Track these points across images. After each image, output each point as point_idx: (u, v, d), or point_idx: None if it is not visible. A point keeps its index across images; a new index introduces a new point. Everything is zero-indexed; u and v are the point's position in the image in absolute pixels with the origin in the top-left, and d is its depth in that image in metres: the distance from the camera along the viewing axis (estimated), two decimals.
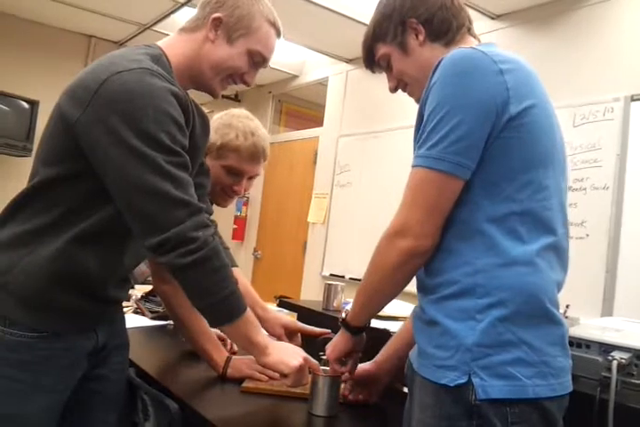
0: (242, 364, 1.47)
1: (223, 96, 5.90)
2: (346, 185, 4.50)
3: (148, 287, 2.37)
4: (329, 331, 1.56)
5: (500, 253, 0.95)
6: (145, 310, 2.24)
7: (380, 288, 1.08)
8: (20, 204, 1.12)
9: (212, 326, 1.20)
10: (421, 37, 1.14)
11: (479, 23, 3.32)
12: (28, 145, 4.41)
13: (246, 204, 5.61)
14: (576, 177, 2.92)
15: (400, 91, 1.25)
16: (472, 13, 1.22)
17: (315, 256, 4.72)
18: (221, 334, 1.60)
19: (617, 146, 2.80)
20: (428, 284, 1.03)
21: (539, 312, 0.96)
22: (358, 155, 4.43)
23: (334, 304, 2.03)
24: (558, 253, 1.02)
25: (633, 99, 2.80)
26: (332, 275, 4.42)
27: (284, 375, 1.23)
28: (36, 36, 4.66)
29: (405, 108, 4.05)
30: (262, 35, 1.23)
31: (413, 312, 1.11)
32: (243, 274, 1.82)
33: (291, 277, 4.89)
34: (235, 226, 5.60)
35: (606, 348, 1.10)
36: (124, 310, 2.27)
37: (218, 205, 1.69)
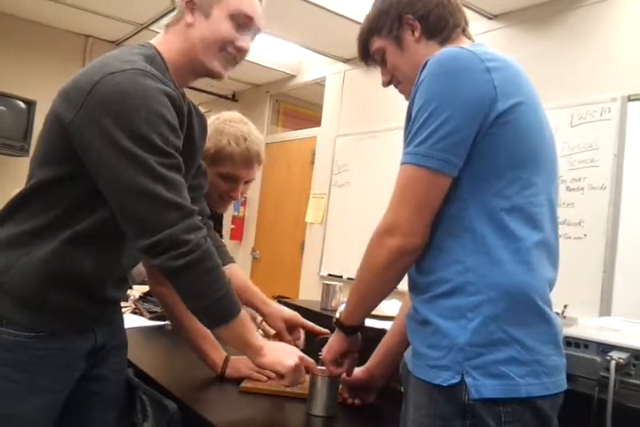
0: (240, 364, 1.47)
1: (220, 96, 5.92)
2: (344, 185, 4.50)
3: (146, 288, 2.36)
4: (329, 332, 1.56)
5: (490, 251, 0.96)
6: (143, 311, 2.24)
7: (371, 287, 1.08)
8: (18, 205, 1.12)
9: (207, 327, 1.21)
10: (417, 34, 1.14)
11: (476, 23, 3.33)
12: (25, 145, 4.40)
13: (244, 204, 5.61)
14: (573, 177, 2.93)
15: (397, 90, 1.25)
16: (469, 13, 1.22)
17: (313, 256, 4.71)
18: (253, 312, 1.61)
19: (614, 146, 2.81)
20: (419, 282, 1.04)
21: (530, 310, 0.96)
22: (356, 155, 4.43)
23: (332, 304, 2.03)
24: (548, 250, 1.02)
25: (630, 99, 2.80)
26: (329, 275, 4.42)
27: (280, 375, 1.23)
28: (33, 36, 4.65)
29: (403, 108, 4.05)
30: None
31: (406, 313, 1.11)
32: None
33: (289, 277, 4.88)
34: (233, 226, 5.60)
35: (604, 348, 1.10)
36: (123, 310, 2.27)
37: (216, 210, 1.69)
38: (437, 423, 0.94)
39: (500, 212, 0.97)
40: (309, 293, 4.51)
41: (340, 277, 4.22)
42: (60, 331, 1.13)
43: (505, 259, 0.95)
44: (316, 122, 5.02)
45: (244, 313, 1.18)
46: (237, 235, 5.59)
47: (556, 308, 1.03)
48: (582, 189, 2.90)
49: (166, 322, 2.08)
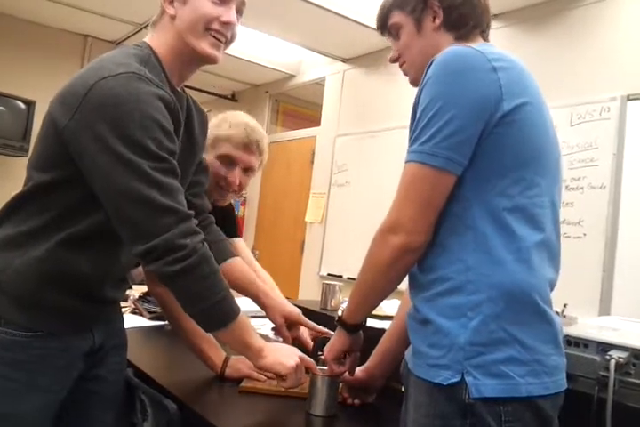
0: (240, 364, 1.47)
1: (220, 96, 5.91)
2: (343, 184, 4.50)
3: (146, 288, 2.36)
4: (330, 332, 1.55)
5: (491, 250, 0.96)
6: (143, 311, 2.24)
7: (373, 285, 1.08)
8: (15, 206, 1.13)
9: (206, 331, 1.21)
10: (438, 22, 1.14)
11: None
12: (24, 145, 4.40)
13: (244, 203, 5.61)
14: (573, 176, 2.93)
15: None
16: None
17: (312, 256, 4.71)
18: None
19: (613, 145, 2.81)
20: (420, 280, 1.04)
21: (531, 310, 0.96)
22: (355, 154, 4.43)
23: (332, 304, 2.03)
24: (549, 251, 1.02)
25: (629, 98, 2.80)
26: (329, 274, 4.42)
27: (281, 377, 1.23)
28: (33, 36, 4.65)
29: (402, 107, 4.05)
30: None
31: (407, 312, 1.11)
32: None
33: (288, 276, 4.88)
34: None
35: (604, 347, 1.10)
36: (123, 310, 2.27)
37: (216, 202, 1.69)
38: (437, 423, 0.94)
39: (503, 211, 0.97)
40: (309, 292, 4.51)
41: (340, 276, 4.22)
42: (57, 331, 1.13)
43: (506, 258, 0.95)
44: (316, 122, 5.03)
45: (244, 316, 1.18)
46: None
47: (556, 307, 1.03)
48: (582, 188, 2.90)
49: (166, 322, 2.07)
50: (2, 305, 1.08)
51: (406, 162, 1.01)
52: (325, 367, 1.30)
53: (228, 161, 1.64)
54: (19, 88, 4.44)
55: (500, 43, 1.21)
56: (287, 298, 1.93)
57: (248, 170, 1.68)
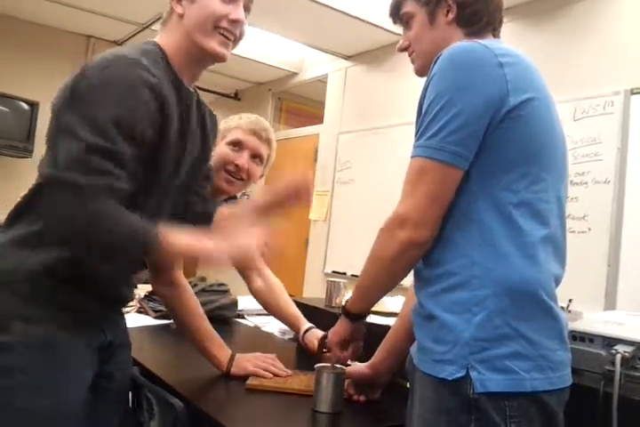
0: (245, 362, 1.48)
1: (222, 95, 5.91)
2: (347, 182, 4.50)
3: (151, 287, 2.37)
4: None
5: (496, 245, 0.96)
6: (148, 309, 2.25)
7: (378, 279, 1.08)
8: (26, 206, 1.13)
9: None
10: (450, 16, 1.14)
11: None
12: (28, 146, 4.41)
13: None
14: (577, 171, 2.92)
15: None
16: None
17: (317, 253, 4.72)
18: None
19: (617, 139, 2.80)
20: (426, 275, 1.04)
21: (536, 305, 0.96)
22: (359, 151, 4.42)
23: (337, 301, 2.03)
24: (555, 246, 1.02)
25: (633, 92, 2.79)
26: (334, 272, 4.42)
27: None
28: (35, 37, 4.66)
29: (405, 104, 4.05)
30: None
31: (412, 308, 1.11)
32: None
33: (293, 274, 4.88)
34: None
35: (610, 341, 1.10)
36: (128, 309, 2.28)
37: (225, 190, 1.68)
38: (442, 418, 0.95)
39: (508, 206, 0.97)
40: (314, 290, 4.51)
41: (345, 273, 4.22)
42: (73, 329, 1.13)
43: (511, 253, 0.95)
44: (319, 119, 5.02)
45: (166, 231, 1.05)
46: None
47: (561, 302, 1.03)
48: (586, 183, 2.89)
49: (171, 321, 2.08)
50: (16, 306, 1.08)
51: (413, 156, 1.01)
52: (329, 364, 1.30)
53: (237, 145, 1.66)
54: (22, 89, 4.46)
55: (504, 37, 1.21)
56: (292, 296, 1.94)
57: (257, 158, 1.68)
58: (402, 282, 1.08)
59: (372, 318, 1.24)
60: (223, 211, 1.43)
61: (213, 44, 1.18)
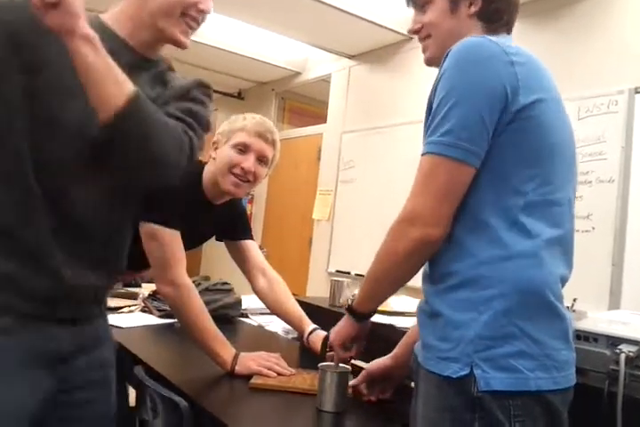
0: (249, 361, 1.48)
1: (226, 94, 5.92)
2: (350, 181, 4.50)
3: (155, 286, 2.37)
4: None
5: (504, 246, 0.95)
6: (152, 309, 2.25)
7: (387, 277, 1.08)
8: None
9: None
10: (473, 9, 1.12)
11: None
12: None
13: (251, 201, 5.62)
14: (581, 170, 2.91)
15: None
16: None
17: (320, 253, 4.72)
18: None
19: (622, 138, 2.79)
20: (433, 274, 1.04)
21: (542, 306, 0.96)
22: (362, 151, 4.42)
23: (340, 300, 2.03)
24: (563, 247, 1.02)
25: (637, 91, 2.78)
26: (337, 271, 4.42)
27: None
28: None
29: (408, 103, 4.05)
30: None
31: (418, 306, 1.11)
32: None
33: (296, 273, 4.89)
34: None
35: (614, 341, 1.10)
36: (132, 308, 2.28)
37: (233, 193, 1.67)
38: (446, 416, 0.95)
39: (516, 207, 0.96)
40: (317, 289, 4.51)
41: (348, 273, 4.22)
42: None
43: (518, 254, 0.95)
44: (322, 119, 5.02)
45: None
46: None
47: (566, 301, 1.03)
48: (590, 182, 2.88)
49: (175, 320, 2.09)
50: None
51: (424, 153, 1.00)
52: (332, 363, 1.30)
53: (243, 148, 1.65)
54: None
55: None
56: (295, 295, 1.94)
57: (262, 159, 1.68)
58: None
59: (375, 318, 1.24)
60: None
61: (177, 33, 1.10)
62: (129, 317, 2.18)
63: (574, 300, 1.82)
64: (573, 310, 1.49)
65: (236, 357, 1.48)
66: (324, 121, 4.96)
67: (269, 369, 1.46)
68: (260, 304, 1.99)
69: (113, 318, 2.07)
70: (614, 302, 2.72)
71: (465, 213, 0.99)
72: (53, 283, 1.00)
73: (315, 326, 1.73)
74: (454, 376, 0.93)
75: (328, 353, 1.34)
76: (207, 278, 2.42)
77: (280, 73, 5.35)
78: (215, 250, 4.28)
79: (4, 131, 0.97)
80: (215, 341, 1.50)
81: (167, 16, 1.08)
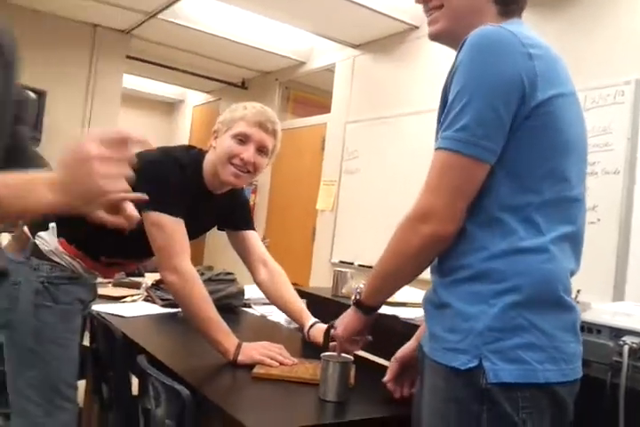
0: (252, 350, 1.48)
1: (229, 83, 5.90)
2: (354, 171, 4.49)
3: (158, 275, 2.38)
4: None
5: (516, 241, 0.95)
6: (155, 298, 2.26)
7: (398, 272, 1.07)
8: None
9: None
10: None
11: None
12: (36, 135, 4.41)
13: (255, 191, 5.61)
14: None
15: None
16: None
17: (324, 243, 4.72)
18: None
19: (628, 129, 2.77)
20: (442, 266, 1.03)
21: (552, 299, 0.96)
22: (366, 141, 4.41)
23: (343, 291, 2.03)
24: (574, 243, 1.02)
25: None
26: (341, 262, 4.42)
27: None
28: (42, 26, 4.64)
29: (413, 93, 4.03)
30: None
31: (425, 296, 1.10)
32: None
33: (300, 264, 4.89)
34: None
35: (617, 332, 1.10)
36: (135, 297, 2.29)
37: (233, 184, 1.67)
38: (453, 407, 0.95)
39: (530, 206, 0.96)
40: (320, 280, 4.51)
41: (352, 263, 4.22)
42: None
43: (530, 248, 0.95)
44: (326, 109, 5.00)
45: None
46: None
47: None
48: (596, 173, 2.87)
49: (179, 309, 2.09)
50: None
51: (439, 148, 0.98)
52: (334, 353, 1.30)
53: (243, 138, 1.64)
54: (29, 78, 4.44)
55: None
56: (298, 285, 1.94)
57: (262, 150, 1.67)
58: None
59: (380, 309, 1.24)
60: None
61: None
62: (132, 306, 2.19)
63: (578, 291, 1.81)
64: (577, 302, 1.49)
65: (238, 346, 1.49)
66: (328, 111, 4.94)
67: (272, 359, 1.46)
68: (262, 295, 2.00)
69: (116, 308, 2.08)
70: (618, 294, 2.71)
71: (478, 209, 0.98)
72: None
73: (315, 319, 1.73)
74: (463, 368, 0.93)
75: (331, 343, 1.35)
76: (210, 268, 2.43)
77: (284, 62, 5.32)
78: (218, 240, 4.29)
79: None
80: (218, 330, 1.50)
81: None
